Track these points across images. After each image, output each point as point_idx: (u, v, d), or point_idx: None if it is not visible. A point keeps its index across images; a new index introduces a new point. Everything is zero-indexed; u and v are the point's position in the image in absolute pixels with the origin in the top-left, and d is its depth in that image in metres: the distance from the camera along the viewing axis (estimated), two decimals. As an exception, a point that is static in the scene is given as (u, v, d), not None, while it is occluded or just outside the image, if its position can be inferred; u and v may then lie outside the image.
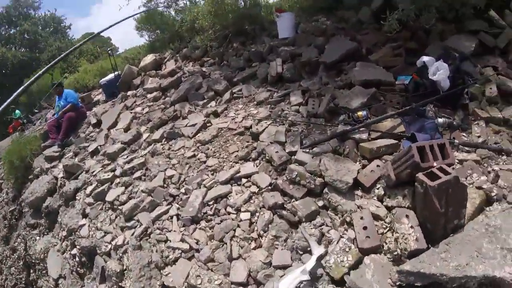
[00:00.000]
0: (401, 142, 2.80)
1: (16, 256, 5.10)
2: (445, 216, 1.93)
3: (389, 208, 2.30)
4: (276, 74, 4.31)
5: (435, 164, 2.07)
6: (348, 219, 2.33)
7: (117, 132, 4.98)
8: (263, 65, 4.82)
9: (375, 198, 2.43)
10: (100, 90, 8.01)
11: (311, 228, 2.38)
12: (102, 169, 4.20)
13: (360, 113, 3.04)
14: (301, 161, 2.84)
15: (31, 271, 4.65)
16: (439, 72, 3.07)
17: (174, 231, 2.85)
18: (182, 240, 2.73)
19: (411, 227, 2.04)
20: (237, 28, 6.15)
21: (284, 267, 2.26)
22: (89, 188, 3.97)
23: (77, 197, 4.09)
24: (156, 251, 2.75)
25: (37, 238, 4.59)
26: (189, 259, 2.60)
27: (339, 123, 3.17)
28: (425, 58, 3.26)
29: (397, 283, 1.87)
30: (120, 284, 2.82)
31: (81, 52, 18.26)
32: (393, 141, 2.78)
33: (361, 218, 2.25)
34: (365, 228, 2.19)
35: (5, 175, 6.56)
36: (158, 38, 8.50)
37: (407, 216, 2.11)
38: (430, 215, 1.98)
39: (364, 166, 2.66)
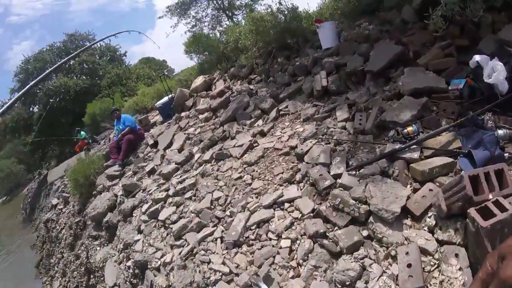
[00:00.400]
0: (457, 160, 2.50)
1: (79, 262, 5.80)
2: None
3: (440, 242, 2.11)
4: (321, 88, 4.29)
5: (490, 196, 1.85)
6: (393, 252, 2.18)
7: (171, 153, 5.49)
8: (308, 78, 4.84)
9: (425, 228, 2.24)
10: (157, 112, 8.84)
11: (351, 262, 2.28)
12: (157, 188, 4.68)
13: (410, 128, 2.81)
14: (346, 185, 2.74)
15: (91, 276, 5.26)
16: (494, 73, 2.74)
17: (217, 253, 3.07)
18: (223, 263, 2.92)
19: (460, 269, 1.88)
20: (280, 43, 6.26)
21: None
22: (145, 206, 4.46)
23: (134, 214, 4.62)
24: (199, 272, 2.99)
25: (98, 248, 5.21)
26: (228, 282, 2.75)
27: (388, 140, 2.97)
28: (478, 57, 2.92)
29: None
30: (165, 298, 3.14)
31: (139, 76, 20.23)
32: (448, 160, 2.50)
33: (407, 253, 2.07)
34: (409, 265, 2.01)
35: (72, 191, 7.55)
36: (207, 60, 9.06)
37: (456, 255, 1.94)
38: (482, 257, 1.77)
39: (415, 190, 2.45)
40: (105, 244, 5.11)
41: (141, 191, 4.97)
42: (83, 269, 5.63)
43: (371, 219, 2.43)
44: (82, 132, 12.79)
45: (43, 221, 9.97)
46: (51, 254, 8.37)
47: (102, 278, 4.77)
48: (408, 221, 2.33)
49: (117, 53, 27.60)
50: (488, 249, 1.69)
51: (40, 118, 19.94)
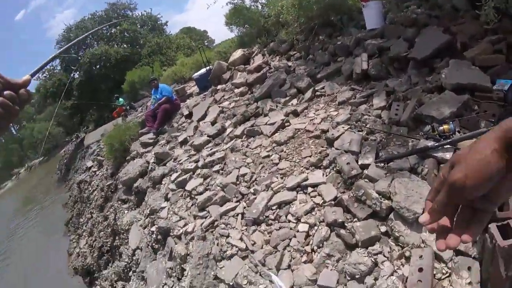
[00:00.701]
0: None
1: (106, 224, 6.31)
2: (510, 284, 1.69)
3: (455, 251, 2.10)
4: (361, 71, 4.22)
5: (514, 215, 1.79)
6: (407, 253, 2.21)
7: (205, 125, 5.72)
8: (349, 60, 4.75)
9: None
10: (194, 83, 9.11)
11: (364, 256, 2.33)
12: (187, 159, 4.94)
13: (446, 126, 2.73)
14: (372, 177, 2.74)
15: (116, 238, 5.73)
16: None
17: (236, 228, 3.25)
18: (241, 239, 3.09)
19: (470, 283, 1.89)
20: (323, 20, 6.10)
21: None
22: (174, 175, 4.74)
23: (163, 182, 4.94)
24: (217, 244, 3.19)
25: (126, 211, 5.64)
26: (243, 258, 2.91)
27: (422, 135, 2.92)
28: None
29: None
30: (182, 266, 3.40)
31: (179, 46, 20.76)
32: None
33: (421, 257, 2.08)
34: (420, 269, 2.02)
35: (106, 155, 8.12)
36: (246, 33, 9.07)
37: (469, 268, 1.94)
38: (494, 276, 1.78)
39: None
40: (133, 208, 5.52)
41: (172, 160, 5.27)
42: (109, 230, 6.12)
43: (391, 216, 2.44)
44: (121, 99, 13.58)
45: (76, 182, 10.82)
46: (81, 213, 9.13)
47: (126, 241, 5.18)
48: None
49: (158, 22, 28.43)
50: (501, 269, 1.67)
51: (81, 83, 21.30)
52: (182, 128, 6.47)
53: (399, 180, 2.53)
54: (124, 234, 5.28)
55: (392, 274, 2.17)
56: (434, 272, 2.03)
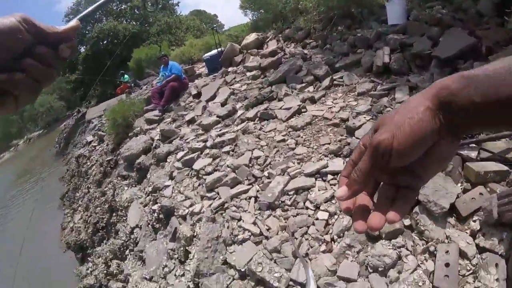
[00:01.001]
0: (513, 170, 2.41)
1: (104, 199, 6.03)
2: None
3: (480, 249, 2.09)
4: (382, 64, 4.18)
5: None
6: (432, 248, 2.18)
7: (214, 106, 5.46)
8: (369, 52, 4.70)
9: (467, 231, 2.22)
10: (203, 64, 8.83)
11: (389, 248, 2.26)
12: (195, 138, 4.69)
13: None
14: None
15: (113, 215, 5.47)
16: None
17: (249, 212, 3.03)
18: (254, 223, 2.88)
19: (497, 279, 1.84)
20: (343, 11, 6.07)
21: (349, 280, 2.20)
22: (180, 154, 4.48)
23: (168, 160, 4.67)
24: (227, 228, 2.97)
25: (125, 188, 5.37)
26: (257, 243, 2.72)
27: None
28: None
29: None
30: (187, 248, 3.15)
31: (188, 27, 20.36)
32: (503, 167, 2.44)
33: (447, 252, 2.08)
34: (447, 265, 2.02)
35: (108, 130, 7.81)
36: (262, 18, 8.90)
37: (496, 265, 1.90)
38: None
39: (465, 191, 2.41)
40: (134, 185, 5.25)
41: (179, 138, 5.02)
42: (106, 206, 5.85)
43: (416, 209, 2.37)
44: (126, 76, 13.17)
45: (75, 156, 10.51)
46: (77, 188, 8.84)
47: (124, 218, 4.92)
48: (452, 220, 2.30)
49: (170, 1, 27.84)
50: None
51: (86, 58, 20.83)
52: (189, 107, 6.22)
53: None
54: (123, 211, 5.02)
55: (416, 269, 2.12)
56: (458, 269, 2.03)
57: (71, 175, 10.22)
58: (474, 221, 2.23)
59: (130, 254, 4.33)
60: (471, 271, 2.00)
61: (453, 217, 2.31)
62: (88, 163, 8.63)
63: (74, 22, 0.51)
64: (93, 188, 7.17)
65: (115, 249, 4.73)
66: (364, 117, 3.47)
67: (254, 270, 2.47)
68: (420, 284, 2.02)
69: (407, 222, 2.39)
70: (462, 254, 2.08)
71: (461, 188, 2.43)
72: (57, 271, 6.75)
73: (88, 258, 6.02)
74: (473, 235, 2.17)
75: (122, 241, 4.59)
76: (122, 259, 4.58)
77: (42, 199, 11.30)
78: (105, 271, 4.96)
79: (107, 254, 4.94)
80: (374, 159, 0.44)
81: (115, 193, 5.61)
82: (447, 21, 4.39)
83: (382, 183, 0.50)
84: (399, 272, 2.13)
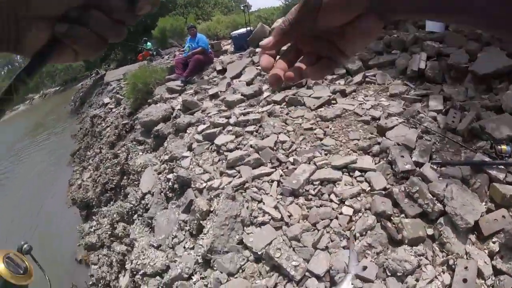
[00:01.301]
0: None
1: (116, 162, 5.93)
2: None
3: (496, 270, 2.06)
4: (417, 69, 4.10)
5: None
6: (451, 261, 2.14)
7: (239, 84, 5.29)
8: (404, 55, 4.60)
9: (486, 251, 2.19)
10: (230, 41, 8.60)
11: (411, 254, 2.21)
12: (217, 113, 4.55)
13: (504, 147, 2.69)
14: (426, 177, 2.59)
15: (124, 177, 5.39)
16: None
17: (271, 195, 2.91)
18: (276, 208, 2.78)
19: None
20: None
21: (366, 281, 2.15)
22: (201, 127, 4.34)
23: (188, 131, 4.54)
24: (247, 208, 2.86)
25: (140, 153, 5.27)
26: (276, 229, 2.63)
27: (477, 149, 2.85)
28: None
29: None
30: (201, 222, 3.05)
31: (216, 3, 19.92)
32: None
33: (466, 268, 2.04)
34: (465, 280, 1.99)
35: (127, 94, 7.66)
36: (294, 2, 8.61)
37: None
38: None
39: (489, 211, 2.37)
40: (149, 152, 5.15)
41: (200, 111, 4.88)
42: (118, 168, 5.76)
43: (441, 220, 2.35)
44: (149, 43, 12.92)
45: (90, 116, 10.43)
46: (89, 147, 8.76)
47: (136, 182, 4.83)
48: (473, 237, 2.28)
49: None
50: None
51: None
52: (213, 82, 6.05)
53: (456, 186, 2.44)
54: (135, 176, 4.92)
55: (433, 280, 2.09)
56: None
57: (84, 134, 10.15)
58: (494, 242, 2.20)
59: (138, 219, 4.25)
60: (486, 291, 1.97)
61: (474, 235, 2.28)
62: (103, 124, 8.53)
63: None
64: (106, 149, 7.07)
65: (123, 212, 4.66)
66: (397, 119, 3.35)
67: (272, 255, 2.38)
68: (437, 295, 1.96)
69: (429, 231, 2.34)
70: (479, 273, 2.05)
71: (485, 207, 2.39)
72: (59, 225, 6.74)
73: (93, 217, 5.98)
74: (491, 255, 2.15)
75: (132, 205, 4.51)
76: (129, 223, 4.51)
77: (53, 154, 11.30)
78: (109, 232, 4.91)
79: (114, 215, 4.88)
80: (303, 12, 0.42)
81: (129, 157, 5.51)
82: (486, 38, 4.34)
83: (305, 52, 0.48)
84: (417, 280, 2.09)
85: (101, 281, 4.41)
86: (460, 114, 3.25)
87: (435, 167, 2.70)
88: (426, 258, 2.21)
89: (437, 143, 3.02)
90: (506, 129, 2.86)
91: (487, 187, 2.51)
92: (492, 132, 2.87)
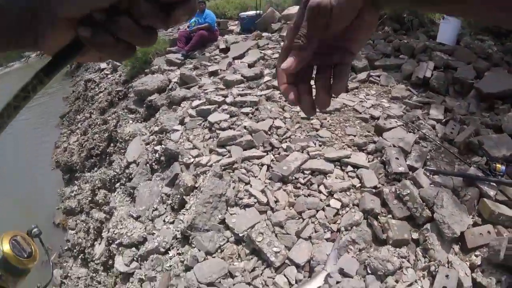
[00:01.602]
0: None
1: (105, 128, 5.78)
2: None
3: (475, 284, 2.07)
4: (423, 77, 4.10)
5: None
6: (432, 268, 2.14)
7: (241, 65, 5.16)
8: (411, 61, 4.61)
9: (467, 263, 2.20)
10: (237, 22, 8.38)
11: (394, 255, 2.21)
12: (214, 91, 4.41)
13: (499, 165, 2.70)
14: (418, 182, 2.59)
15: (111, 144, 5.26)
16: None
17: (259, 179, 2.84)
18: (263, 192, 2.71)
19: None
20: (396, 14, 5.94)
21: (345, 275, 2.13)
22: (196, 102, 4.21)
23: (182, 105, 4.41)
24: (233, 188, 2.78)
25: (130, 122, 5.12)
26: (261, 212, 2.58)
27: (472, 163, 2.86)
28: None
29: None
30: (184, 197, 2.96)
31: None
32: None
33: (447, 276, 2.05)
34: None
35: (124, 61, 7.41)
36: None
37: None
38: None
39: (475, 224, 2.40)
40: (139, 121, 5.00)
41: (197, 86, 4.73)
42: (106, 135, 5.61)
43: (428, 226, 2.35)
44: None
45: (84, 79, 10.13)
46: (80, 110, 8.53)
47: (122, 150, 4.70)
48: (456, 248, 2.29)
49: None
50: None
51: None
52: (214, 60, 5.88)
53: (447, 196, 2.45)
54: (122, 144, 4.78)
55: (412, 283, 2.09)
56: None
57: (76, 97, 9.88)
58: (477, 255, 2.22)
59: (120, 188, 4.13)
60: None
61: (458, 245, 2.30)
62: (96, 89, 8.28)
63: None
64: (96, 115, 6.88)
65: (106, 179, 4.53)
66: (396, 121, 3.34)
67: (254, 239, 2.31)
68: (415, 299, 1.97)
69: (415, 235, 2.35)
70: (459, 283, 2.05)
71: (472, 221, 2.40)
72: (40, 187, 6.58)
73: (75, 181, 5.85)
74: (472, 268, 2.17)
75: (115, 173, 4.38)
76: (111, 191, 4.40)
77: (42, 114, 10.99)
78: (89, 198, 4.79)
79: (96, 182, 4.75)
80: (314, 22, 0.41)
81: (118, 124, 5.36)
82: (496, 59, 4.41)
83: (317, 66, 0.47)
84: (397, 282, 2.08)
85: (77, 247, 4.32)
86: (460, 126, 3.29)
87: (428, 173, 2.71)
88: (408, 261, 2.21)
89: (433, 151, 3.03)
90: (504, 149, 2.89)
91: (476, 201, 2.53)
92: (489, 149, 2.89)
